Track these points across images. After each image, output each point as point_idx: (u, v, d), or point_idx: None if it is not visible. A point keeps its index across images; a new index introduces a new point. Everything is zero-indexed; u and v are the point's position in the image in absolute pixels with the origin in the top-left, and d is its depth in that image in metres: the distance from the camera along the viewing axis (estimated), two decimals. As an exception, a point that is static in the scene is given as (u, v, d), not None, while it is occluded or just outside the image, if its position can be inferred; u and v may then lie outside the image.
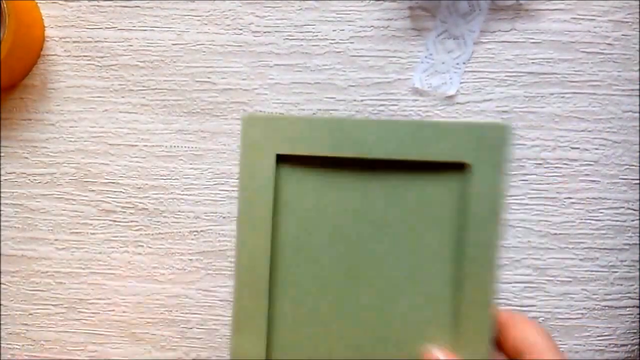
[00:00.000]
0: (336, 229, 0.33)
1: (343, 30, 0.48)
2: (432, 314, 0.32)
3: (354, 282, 0.33)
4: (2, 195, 0.50)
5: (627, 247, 0.46)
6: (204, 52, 0.49)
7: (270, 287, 0.33)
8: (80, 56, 0.49)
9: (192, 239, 0.48)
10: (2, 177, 0.50)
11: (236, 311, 0.33)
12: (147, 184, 0.48)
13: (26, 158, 0.49)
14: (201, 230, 0.48)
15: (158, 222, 0.48)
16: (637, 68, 0.46)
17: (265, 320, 0.33)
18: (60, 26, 0.49)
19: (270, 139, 0.32)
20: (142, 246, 0.48)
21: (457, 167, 0.32)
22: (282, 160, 0.33)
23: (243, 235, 0.33)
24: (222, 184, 0.48)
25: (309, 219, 0.33)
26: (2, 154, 0.50)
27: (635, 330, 0.46)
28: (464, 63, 0.47)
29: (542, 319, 0.46)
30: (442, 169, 0.32)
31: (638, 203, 0.46)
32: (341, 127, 0.32)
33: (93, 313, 0.48)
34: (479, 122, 0.32)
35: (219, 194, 0.48)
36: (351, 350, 0.33)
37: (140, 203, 0.48)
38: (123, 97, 0.49)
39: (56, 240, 0.49)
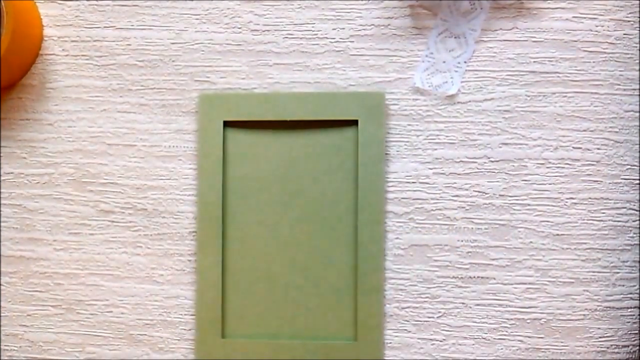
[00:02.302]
0: (269, 172, 0.46)
1: (343, 29, 0.48)
2: (335, 236, 0.46)
3: (285, 209, 0.46)
4: (0, 195, 0.49)
5: (628, 247, 0.46)
6: (203, 51, 0.48)
7: (223, 217, 0.46)
8: (79, 55, 0.49)
9: (191, 240, 0.48)
10: (1, 178, 0.49)
11: (198, 237, 0.46)
12: (145, 184, 0.48)
13: (24, 158, 0.49)
14: (200, 231, 0.48)
15: (157, 222, 0.48)
16: (639, 67, 0.46)
17: (221, 242, 0.46)
18: (58, 25, 0.49)
19: (219, 110, 0.46)
20: (140, 247, 0.48)
21: (352, 123, 0.46)
22: (228, 125, 0.47)
23: (202, 180, 0.46)
24: (222, 184, 0.48)
25: (250, 168, 0.46)
26: (0, 154, 0.49)
27: (636, 331, 0.46)
28: (465, 62, 0.47)
29: (544, 320, 0.46)
30: (342, 125, 0.46)
31: (639, 203, 0.46)
32: (270, 99, 0.46)
33: (91, 314, 0.48)
34: (363, 92, 0.46)
35: (218, 194, 0.48)
36: (286, 259, 0.46)
37: (139, 203, 0.48)
38: (121, 96, 0.49)
39: (54, 241, 0.49)
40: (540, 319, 0.46)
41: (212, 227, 0.46)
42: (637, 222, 0.46)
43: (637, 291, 0.46)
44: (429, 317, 0.46)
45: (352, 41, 0.48)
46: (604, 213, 0.46)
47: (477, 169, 0.46)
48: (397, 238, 0.46)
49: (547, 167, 0.46)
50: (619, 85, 0.46)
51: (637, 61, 0.46)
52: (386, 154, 0.46)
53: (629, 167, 0.46)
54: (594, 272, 0.46)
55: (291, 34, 0.48)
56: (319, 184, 0.46)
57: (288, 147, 0.46)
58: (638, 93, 0.46)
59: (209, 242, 0.46)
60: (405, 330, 0.47)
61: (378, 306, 0.45)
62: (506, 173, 0.46)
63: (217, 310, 0.45)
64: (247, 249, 0.46)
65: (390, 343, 0.47)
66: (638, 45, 0.46)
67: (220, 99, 0.46)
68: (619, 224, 0.46)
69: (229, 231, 0.46)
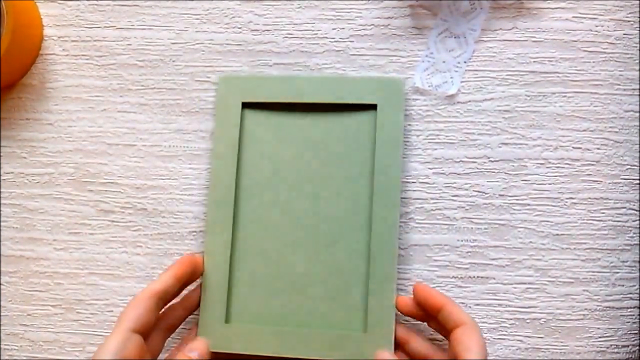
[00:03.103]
0: (285, 155, 0.46)
1: (343, 28, 0.48)
2: (349, 222, 0.45)
3: (299, 192, 0.45)
4: (0, 195, 0.49)
5: (628, 247, 0.46)
6: (203, 51, 0.48)
7: (236, 199, 0.45)
8: (79, 55, 0.49)
9: (191, 239, 0.48)
10: (1, 177, 0.49)
11: (209, 218, 0.45)
12: (145, 184, 0.48)
13: (24, 158, 0.49)
14: (200, 231, 0.48)
15: (157, 222, 0.48)
16: (639, 67, 0.46)
17: (231, 224, 0.44)
18: (58, 25, 0.49)
19: (237, 92, 0.46)
20: (140, 246, 0.48)
21: (370, 108, 0.45)
22: (246, 106, 0.46)
23: (216, 161, 0.45)
24: (222, 183, 0.48)
25: (266, 149, 0.46)
26: (0, 154, 0.49)
27: (636, 331, 0.46)
28: (465, 62, 0.47)
29: (544, 320, 0.46)
30: (360, 109, 0.45)
31: (639, 203, 0.46)
32: (288, 82, 0.46)
33: (91, 314, 0.48)
34: (382, 77, 0.46)
35: (218, 194, 0.48)
36: (298, 244, 0.45)
37: (139, 203, 0.48)
38: (122, 96, 0.49)
39: (54, 240, 0.49)
40: (540, 319, 0.46)
41: (223, 209, 0.44)
42: (637, 222, 0.46)
43: (637, 291, 0.46)
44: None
45: (352, 41, 0.48)
46: (603, 213, 0.46)
47: (477, 168, 0.46)
48: (397, 238, 0.46)
49: (547, 167, 0.46)
50: (618, 85, 0.46)
51: (637, 61, 0.46)
52: (405, 141, 0.46)
53: (628, 167, 0.46)
54: (593, 272, 0.46)
55: (291, 34, 0.48)
56: (335, 167, 0.45)
57: (305, 130, 0.46)
58: (638, 93, 0.46)
59: (219, 223, 0.44)
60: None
61: (389, 296, 0.43)
62: (506, 173, 0.46)
63: (223, 293, 0.44)
64: (258, 232, 0.45)
65: (390, 343, 0.47)
66: (638, 45, 0.46)
67: (239, 81, 0.46)
68: (619, 224, 0.46)
69: (240, 213, 0.45)
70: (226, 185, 0.45)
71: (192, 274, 0.43)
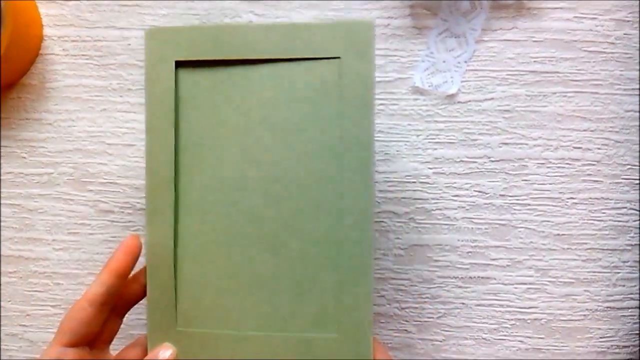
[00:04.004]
0: (231, 120, 0.37)
1: (343, 29, 0.48)
2: (314, 200, 0.36)
3: (250, 168, 0.36)
4: (0, 195, 0.49)
5: (629, 247, 0.46)
6: (203, 51, 0.48)
7: (176, 182, 0.37)
8: (79, 55, 0.49)
9: (191, 240, 0.47)
10: (0, 177, 0.49)
11: (148, 207, 0.37)
12: (145, 184, 0.48)
13: (24, 158, 0.49)
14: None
15: (156, 222, 0.48)
16: (639, 67, 0.46)
17: (173, 211, 0.37)
18: (58, 25, 0.49)
19: (169, 48, 0.37)
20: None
21: (332, 57, 0.35)
22: (181, 65, 0.37)
23: (151, 138, 0.37)
24: (221, 183, 0.48)
25: (207, 114, 0.37)
26: (0, 154, 0.49)
27: (637, 332, 0.46)
28: (465, 62, 0.47)
29: (544, 320, 0.46)
30: (319, 59, 0.36)
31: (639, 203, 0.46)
32: (229, 32, 0.36)
33: (91, 314, 0.48)
34: (345, 20, 0.36)
35: (218, 194, 0.48)
36: (253, 230, 0.36)
37: (138, 203, 0.48)
38: (121, 96, 0.49)
39: (54, 240, 0.49)
40: (541, 319, 0.46)
41: (163, 194, 0.37)
42: (638, 222, 0.46)
43: (638, 291, 0.46)
44: (429, 318, 0.46)
45: (352, 41, 0.48)
46: (604, 213, 0.46)
47: (477, 168, 0.46)
48: (397, 238, 0.46)
49: (548, 167, 0.46)
50: (619, 85, 0.46)
51: (637, 61, 0.46)
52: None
53: (629, 166, 0.46)
54: (594, 272, 0.46)
55: (291, 34, 0.48)
56: (293, 136, 0.36)
57: (254, 91, 0.37)
58: (638, 93, 0.46)
59: (159, 211, 0.37)
60: (406, 330, 0.46)
61: (366, 292, 0.35)
62: (506, 173, 0.46)
63: (170, 293, 0.37)
64: (205, 220, 0.37)
65: (391, 343, 0.46)
66: (638, 45, 0.46)
67: (171, 34, 0.37)
68: (620, 224, 0.46)
69: (182, 198, 0.37)
70: (164, 165, 0.37)
71: (133, 259, 0.37)
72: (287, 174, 0.36)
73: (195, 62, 0.37)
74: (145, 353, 0.37)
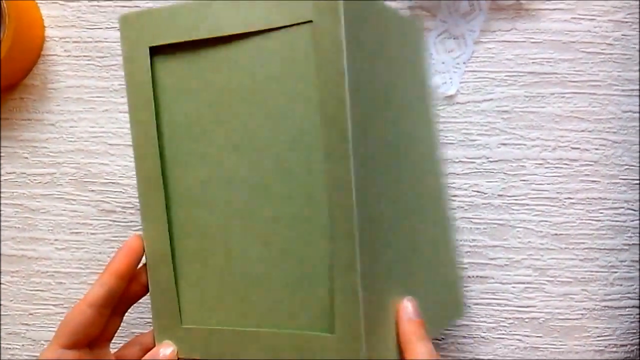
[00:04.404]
0: (213, 107, 0.35)
1: (343, 30, 0.48)
2: (300, 147, 0.33)
3: (235, 147, 0.34)
4: (2, 195, 0.50)
5: (626, 247, 0.46)
6: (204, 52, 0.49)
7: (164, 175, 0.36)
8: (80, 56, 0.49)
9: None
10: (2, 177, 0.50)
11: (142, 205, 0.36)
12: (147, 184, 0.48)
13: (26, 158, 0.49)
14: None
15: (158, 222, 0.48)
16: (637, 68, 0.46)
17: (164, 206, 0.36)
18: (60, 26, 0.49)
19: (143, 34, 0.35)
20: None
21: (304, 22, 0.32)
22: (156, 52, 0.35)
23: (136, 131, 0.36)
24: (222, 184, 0.48)
25: (189, 102, 0.35)
26: (2, 154, 0.50)
27: (634, 331, 0.46)
28: (464, 63, 0.47)
29: (542, 319, 0.46)
30: (291, 26, 0.33)
31: (638, 203, 0.46)
32: (200, 10, 0.34)
33: (93, 313, 0.48)
34: None
35: (218, 194, 0.48)
36: (243, 206, 0.34)
37: (140, 203, 0.48)
38: (123, 97, 0.49)
39: (56, 240, 0.49)
40: (539, 318, 0.46)
41: (153, 189, 0.36)
42: (635, 221, 0.46)
43: (635, 290, 0.46)
44: (428, 316, 0.47)
45: (352, 42, 0.48)
46: (602, 213, 0.46)
47: (476, 169, 0.47)
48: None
49: (546, 167, 0.46)
50: (617, 86, 0.46)
51: (636, 62, 0.46)
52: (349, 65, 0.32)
53: (627, 167, 0.46)
54: (592, 271, 0.46)
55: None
56: (274, 115, 0.33)
57: (232, 69, 0.34)
58: (637, 94, 0.46)
59: (152, 208, 0.36)
60: (405, 329, 0.47)
61: (354, 289, 0.31)
62: (505, 173, 0.46)
63: (172, 291, 0.36)
64: (198, 214, 0.35)
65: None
66: (636, 46, 0.46)
67: (144, 19, 0.35)
68: (617, 223, 0.46)
69: (173, 192, 0.36)
70: (151, 160, 0.36)
71: (135, 260, 0.36)
72: (274, 160, 0.34)
73: (170, 48, 0.35)
74: (144, 351, 0.37)
